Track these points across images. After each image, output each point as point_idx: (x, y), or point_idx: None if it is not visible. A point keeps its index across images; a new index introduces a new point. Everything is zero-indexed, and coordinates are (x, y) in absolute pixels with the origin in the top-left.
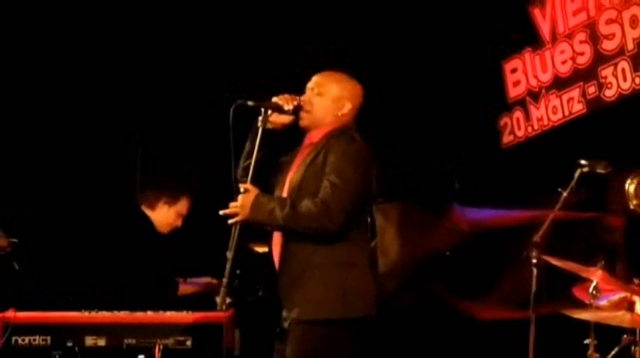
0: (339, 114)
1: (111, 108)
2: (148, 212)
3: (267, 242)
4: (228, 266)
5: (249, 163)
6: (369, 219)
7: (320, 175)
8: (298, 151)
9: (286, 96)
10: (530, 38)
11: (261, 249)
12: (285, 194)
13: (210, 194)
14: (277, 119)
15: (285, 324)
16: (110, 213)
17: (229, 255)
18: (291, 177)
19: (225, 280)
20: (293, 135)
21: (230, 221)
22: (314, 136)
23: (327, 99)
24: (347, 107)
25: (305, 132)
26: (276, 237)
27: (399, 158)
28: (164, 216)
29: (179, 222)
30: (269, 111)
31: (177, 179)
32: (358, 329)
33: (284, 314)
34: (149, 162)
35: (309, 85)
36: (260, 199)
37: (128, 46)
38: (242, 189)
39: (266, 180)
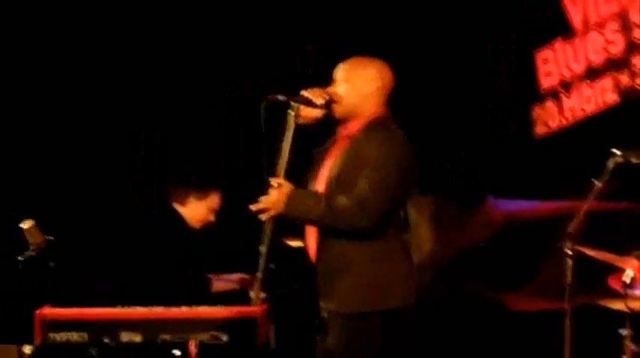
0: (370, 99)
1: (131, 104)
2: (179, 208)
3: (302, 236)
4: (261, 260)
5: (282, 159)
6: (402, 214)
7: (357, 170)
8: (333, 143)
9: (316, 89)
10: (561, 27)
11: (295, 243)
12: (321, 188)
13: (244, 190)
14: (309, 113)
15: (324, 315)
16: (141, 209)
17: (262, 249)
18: (328, 170)
19: (259, 275)
20: (326, 127)
21: (262, 216)
22: (350, 128)
23: (354, 85)
24: (376, 89)
25: (341, 123)
26: (311, 231)
27: (432, 151)
28: (195, 211)
29: (211, 217)
30: (300, 106)
31: (206, 173)
32: (393, 320)
33: (322, 305)
34: (172, 159)
35: (335, 75)
36: (294, 194)
37: (136, 44)
38: (275, 184)
39: (299, 175)
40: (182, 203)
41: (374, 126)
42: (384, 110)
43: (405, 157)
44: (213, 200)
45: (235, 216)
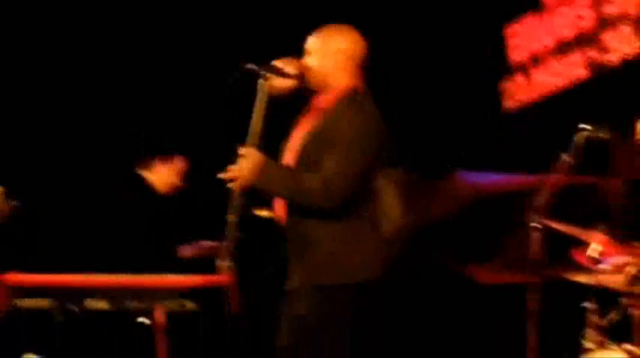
0: (337, 69)
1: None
2: (145, 173)
3: (271, 206)
4: (229, 230)
5: (254, 128)
6: (370, 187)
7: (325, 146)
8: (306, 113)
9: (288, 59)
10: (531, 2)
11: (265, 213)
12: (289, 160)
13: (216, 158)
14: (281, 83)
15: (294, 283)
16: (107, 174)
17: (231, 218)
18: (295, 143)
19: (227, 244)
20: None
21: (230, 184)
22: (322, 101)
23: (322, 57)
24: (345, 60)
25: (315, 93)
26: (280, 203)
27: (400, 125)
28: (160, 174)
29: (177, 181)
30: (272, 75)
31: (171, 138)
32: (361, 293)
33: (290, 275)
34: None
35: (306, 45)
36: (264, 165)
37: (136, 44)
38: (244, 153)
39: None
40: (148, 167)
41: (345, 101)
42: (357, 82)
43: (376, 136)
44: (178, 163)
45: (206, 183)
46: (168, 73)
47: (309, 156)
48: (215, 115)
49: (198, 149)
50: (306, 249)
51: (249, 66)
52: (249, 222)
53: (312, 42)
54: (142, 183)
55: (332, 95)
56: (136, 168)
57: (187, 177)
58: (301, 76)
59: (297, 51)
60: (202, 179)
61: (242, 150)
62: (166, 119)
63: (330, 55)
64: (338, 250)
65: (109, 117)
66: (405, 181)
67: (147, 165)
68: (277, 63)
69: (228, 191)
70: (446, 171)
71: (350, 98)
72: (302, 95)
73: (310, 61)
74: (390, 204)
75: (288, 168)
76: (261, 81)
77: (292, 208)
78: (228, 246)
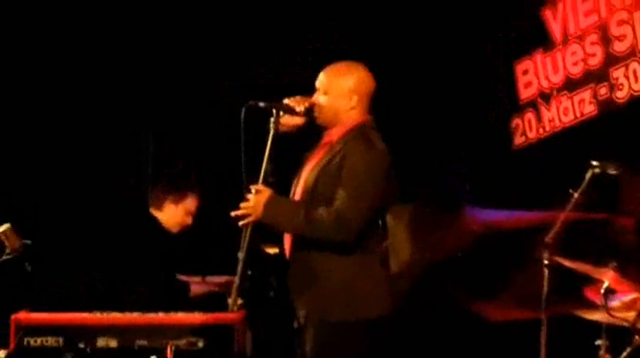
0: (349, 108)
1: (122, 105)
2: (156, 213)
3: (280, 243)
4: (239, 267)
5: (263, 165)
6: (380, 222)
7: (335, 181)
8: (316, 148)
9: (297, 98)
10: (541, 39)
11: (273, 250)
12: (298, 195)
13: (226, 193)
14: (289, 121)
15: (301, 320)
16: (119, 215)
17: (240, 255)
18: (306, 177)
19: (236, 281)
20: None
21: (241, 222)
22: (332, 134)
23: (333, 96)
24: (356, 99)
25: (325, 129)
26: (288, 238)
27: (410, 159)
28: (171, 215)
29: (188, 220)
30: (280, 113)
31: (182, 176)
32: (372, 329)
33: (298, 311)
34: (161, 163)
35: (316, 84)
36: (273, 201)
37: (140, 44)
38: (254, 190)
39: (285, 181)
40: (159, 208)
41: (354, 135)
42: (366, 117)
43: (385, 170)
44: (190, 203)
45: (216, 220)
46: (179, 110)
47: (320, 190)
48: (224, 152)
49: (208, 185)
50: (314, 282)
51: (261, 104)
52: (259, 259)
53: (323, 80)
54: (153, 222)
55: (342, 130)
56: (148, 208)
57: (198, 214)
58: (311, 113)
59: (303, 88)
60: (212, 215)
61: (253, 187)
62: (177, 156)
63: (343, 94)
64: (349, 284)
65: (123, 152)
66: (415, 217)
67: (159, 205)
68: (288, 101)
69: (238, 228)
70: (456, 207)
71: (360, 133)
72: (311, 131)
73: (322, 99)
74: (401, 242)
75: (298, 202)
76: (271, 119)
77: (300, 242)
78: (238, 284)
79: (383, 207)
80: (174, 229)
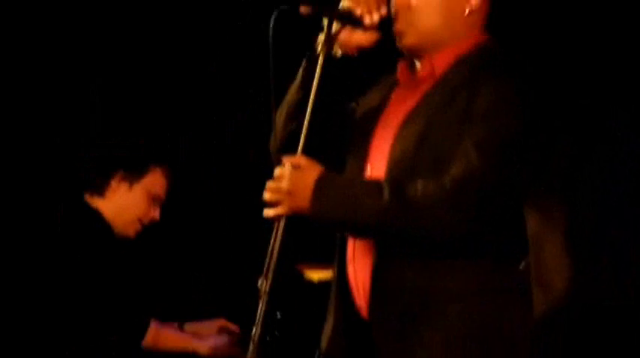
0: (467, 10)
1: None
2: (97, 202)
3: (333, 261)
4: (261, 305)
5: (301, 120)
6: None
7: (460, 128)
8: (391, 91)
9: None
10: None
11: (319, 275)
12: (379, 171)
13: (224, 172)
14: (351, 38)
15: None
16: (26, 208)
17: (263, 284)
18: (397, 133)
19: (256, 331)
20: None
21: (268, 212)
22: (437, 64)
23: None
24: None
25: (407, 56)
26: (358, 249)
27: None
28: (123, 203)
29: (153, 213)
30: (336, 25)
31: (141, 139)
32: None
33: None
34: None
35: None
36: (327, 180)
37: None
38: (290, 163)
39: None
40: (101, 193)
41: (483, 59)
42: (483, 24)
43: (546, 111)
44: (154, 181)
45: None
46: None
47: (427, 159)
48: (227, 94)
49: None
50: (420, 320)
51: (302, 8)
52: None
53: None
54: (94, 221)
55: (453, 54)
56: (85, 197)
57: (171, 203)
58: (388, 25)
59: None
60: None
61: (288, 159)
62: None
63: None
64: (475, 316)
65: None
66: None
67: (102, 190)
68: (348, 2)
69: (256, 229)
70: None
71: (493, 55)
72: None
73: None
74: (551, 264)
75: (371, 180)
76: (320, 35)
77: (389, 250)
78: (258, 336)
79: (528, 188)
80: (129, 230)
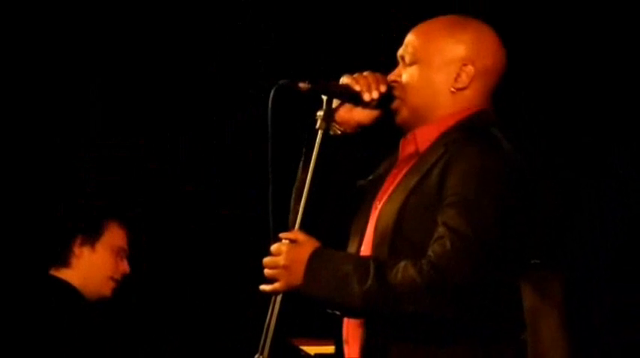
0: (454, 88)
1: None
2: (63, 273)
3: (334, 334)
4: None
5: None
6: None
7: (432, 213)
8: (390, 168)
9: (367, 75)
10: None
11: (316, 350)
12: (365, 247)
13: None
14: (351, 115)
15: None
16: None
17: None
18: (378, 216)
19: None
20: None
21: (264, 288)
22: (419, 139)
23: (430, 66)
24: (467, 73)
25: (404, 132)
26: (350, 330)
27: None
28: (91, 266)
29: (123, 266)
30: (335, 102)
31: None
32: None
33: None
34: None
35: (400, 49)
36: (320, 258)
37: None
38: (287, 239)
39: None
40: (67, 264)
41: (462, 133)
42: (478, 100)
43: (517, 186)
44: (113, 235)
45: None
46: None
47: (406, 233)
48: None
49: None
50: None
51: (302, 84)
52: None
53: (410, 44)
54: (63, 291)
55: (438, 128)
56: (49, 271)
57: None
58: (389, 102)
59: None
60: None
61: (285, 235)
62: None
63: (444, 60)
64: None
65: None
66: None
67: (64, 261)
68: (348, 80)
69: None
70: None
71: (468, 125)
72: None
73: (406, 73)
74: (547, 339)
75: (364, 258)
76: (319, 112)
77: (380, 328)
78: None
79: (516, 259)
80: (104, 290)
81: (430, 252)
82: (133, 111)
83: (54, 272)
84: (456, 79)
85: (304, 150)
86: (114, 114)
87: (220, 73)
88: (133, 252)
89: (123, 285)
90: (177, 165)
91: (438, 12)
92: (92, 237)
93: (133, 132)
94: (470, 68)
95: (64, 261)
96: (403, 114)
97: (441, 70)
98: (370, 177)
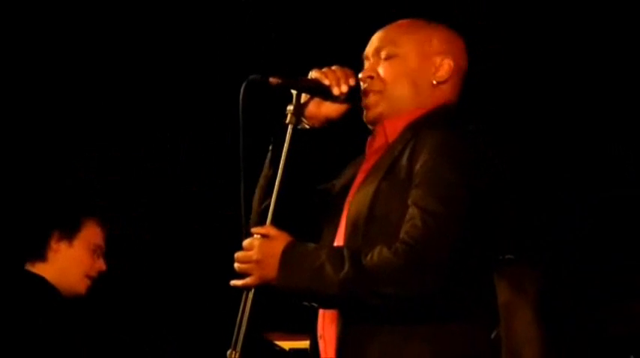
0: (434, 81)
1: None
2: (39, 268)
3: (309, 329)
4: None
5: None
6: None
7: (403, 198)
8: (358, 168)
9: (334, 69)
10: None
11: (290, 345)
12: (339, 239)
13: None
14: (319, 110)
15: None
16: None
17: (233, 356)
18: (350, 204)
19: None
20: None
21: (236, 283)
22: (389, 131)
23: (410, 59)
24: (447, 66)
25: (372, 127)
26: (326, 324)
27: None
28: (67, 262)
29: (99, 264)
30: (304, 96)
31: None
32: None
33: None
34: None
35: (369, 48)
36: (294, 251)
37: None
38: (259, 233)
39: (305, 221)
40: (44, 258)
41: (430, 121)
42: (451, 95)
43: (486, 163)
44: (92, 233)
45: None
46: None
47: (378, 220)
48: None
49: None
50: None
51: (272, 79)
52: None
53: (384, 39)
54: (40, 287)
55: (405, 119)
56: (25, 267)
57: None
58: (353, 98)
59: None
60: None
61: (257, 230)
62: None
63: (422, 54)
64: None
65: None
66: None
67: (41, 256)
68: (317, 74)
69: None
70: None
71: (436, 113)
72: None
73: (383, 67)
74: (521, 335)
75: (335, 248)
76: (289, 107)
77: (357, 319)
78: None
79: (488, 242)
80: (79, 288)
81: (403, 234)
82: (133, 112)
83: (29, 267)
84: (435, 73)
85: (271, 146)
86: (114, 114)
87: (220, 73)
88: (133, 252)
89: (115, 283)
90: (177, 165)
91: (437, 12)
92: (70, 232)
93: (133, 132)
94: (450, 62)
95: (41, 255)
96: (379, 108)
97: (422, 62)
98: (334, 181)
